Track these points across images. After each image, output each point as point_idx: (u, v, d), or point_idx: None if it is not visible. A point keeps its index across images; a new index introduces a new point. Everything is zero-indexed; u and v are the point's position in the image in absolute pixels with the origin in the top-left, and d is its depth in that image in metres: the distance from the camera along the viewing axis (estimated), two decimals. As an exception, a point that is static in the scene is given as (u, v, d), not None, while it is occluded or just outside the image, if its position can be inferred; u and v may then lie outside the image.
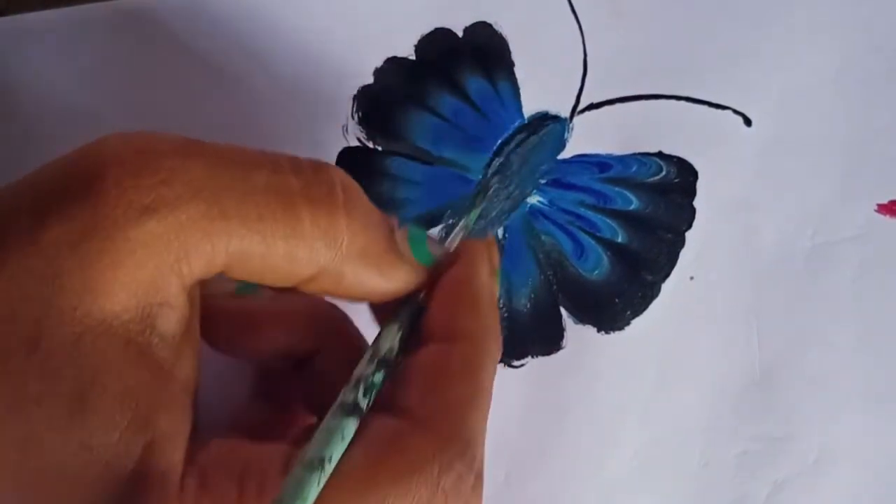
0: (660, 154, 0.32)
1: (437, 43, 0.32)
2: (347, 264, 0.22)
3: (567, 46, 0.32)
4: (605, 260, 0.32)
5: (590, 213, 0.32)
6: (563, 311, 0.32)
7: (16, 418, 0.19)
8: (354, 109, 0.32)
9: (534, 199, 0.33)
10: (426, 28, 0.32)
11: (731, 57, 0.32)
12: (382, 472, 0.21)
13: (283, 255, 0.21)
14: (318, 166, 0.22)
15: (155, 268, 0.20)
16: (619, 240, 0.32)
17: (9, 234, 0.19)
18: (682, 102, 0.32)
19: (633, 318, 0.32)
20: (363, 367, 0.23)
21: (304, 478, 0.20)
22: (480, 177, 0.32)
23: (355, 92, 0.32)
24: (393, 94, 0.32)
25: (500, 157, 0.33)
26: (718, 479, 0.31)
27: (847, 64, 0.32)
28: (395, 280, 0.24)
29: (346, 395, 0.22)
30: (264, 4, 0.32)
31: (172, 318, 0.20)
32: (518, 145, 0.33)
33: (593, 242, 0.32)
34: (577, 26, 0.32)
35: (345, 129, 0.32)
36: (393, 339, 0.24)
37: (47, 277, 0.19)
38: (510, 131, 0.33)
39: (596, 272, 0.32)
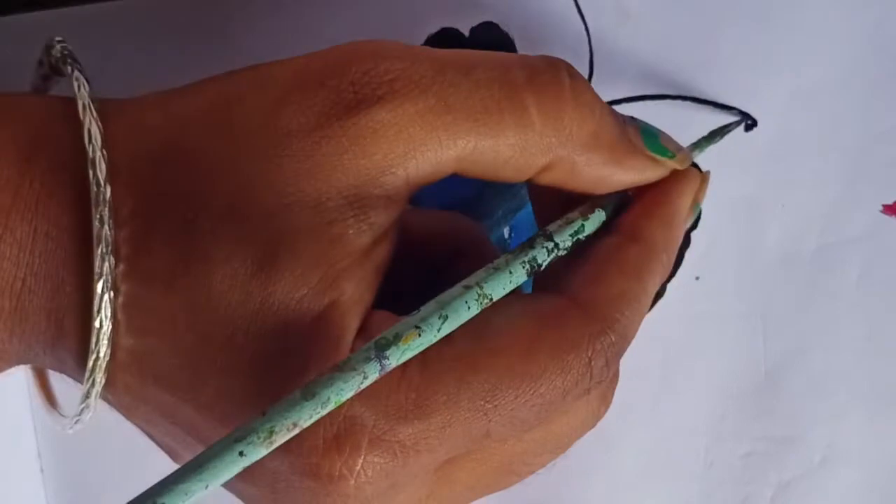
0: (666, 154, 0.32)
1: (443, 43, 0.32)
2: (580, 152, 0.23)
3: (573, 47, 0.32)
4: (611, 260, 0.32)
5: (595, 214, 0.32)
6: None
7: (196, 275, 0.20)
8: (359, 109, 0.32)
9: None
10: (433, 28, 0.32)
11: (738, 58, 0.32)
12: (544, 345, 0.22)
13: (513, 145, 0.22)
14: (543, 57, 0.23)
15: (383, 157, 0.21)
16: (625, 240, 0.32)
17: (251, 119, 0.21)
18: (688, 103, 0.32)
19: (639, 317, 0.32)
20: (555, 226, 0.24)
21: (458, 293, 0.21)
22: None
23: (360, 92, 0.32)
24: (398, 94, 0.32)
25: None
26: (723, 480, 0.32)
27: (853, 65, 0.32)
28: (630, 170, 0.24)
29: (527, 249, 0.23)
30: (267, 4, 0.32)
31: (386, 211, 0.21)
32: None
33: (599, 242, 0.32)
34: (583, 27, 0.32)
35: (350, 129, 0.32)
36: (592, 218, 0.24)
37: (274, 157, 0.20)
38: (516, 131, 0.32)
39: (601, 272, 0.32)
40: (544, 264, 0.23)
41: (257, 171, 0.21)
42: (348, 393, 0.19)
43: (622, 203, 0.25)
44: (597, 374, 0.22)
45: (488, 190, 0.32)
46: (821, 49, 0.32)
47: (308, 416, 0.19)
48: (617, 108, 0.32)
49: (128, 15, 0.32)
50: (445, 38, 0.32)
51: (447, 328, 0.21)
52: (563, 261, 0.24)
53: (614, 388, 0.25)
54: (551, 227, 0.24)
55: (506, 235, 0.32)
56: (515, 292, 0.23)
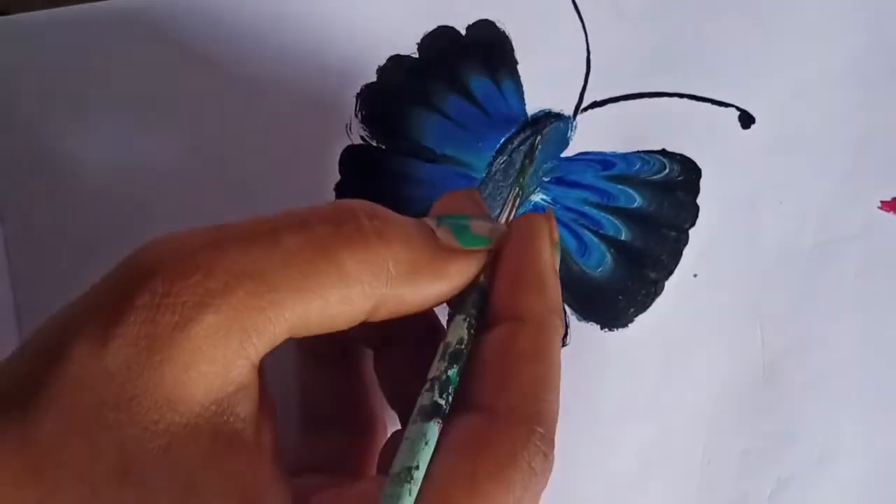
0: (663, 152, 0.32)
1: (440, 41, 0.32)
2: (402, 285, 0.23)
3: (570, 44, 0.32)
4: (609, 257, 0.32)
5: (593, 211, 0.32)
6: (566, 308, 0.32)
7: None
8: (358, 108, 0.32)
9: (537, 197, 0.33)
10: (429, 26, 0.32)
11: (735, 55, 0.32)
12: (481, 473, 0.21)
13: (338, 302, 0.22)
14: (340, 206, 0.23)
15: (224, 357, 0.20)
16: (623, 237, 0.32)
17: (73, 364, 0.19)
18: (686, 100, 0.32)
19: (637, 315, 0.32)
20: (437, 367, 0.23)
21: (394, 492, 0.21)
22: (484, 175, 0.32)
23: (359, 90, 0.32)
24: (396, 93, 0.32)
25: (504, 156, 0.32)
26: (722, 477, 0.32)
27: (850, 61, 0.32)
28: (453, 277, 0.24)
29: (424, 399, 0.23)
30: (266, 3, 0.32)
31: (248, 398, 0.21)
32: (521, 143, 0.32)
33: (596, 240, 0.32)
34: (580, 24, 0.32)
35: (348, 127, 0.32)
36: (462, 330, 0.24)
37: (123, 402, 0.19)
38: (514, 129, 0.33)
39: (599, 270, 0.32)
40: (446, 404, 0.23)
41: (125, 421, 0.19)
42: None
43: (481, 294, 0.25)
44: (539, 469, 0.22)
45: (484, 188, 0.32)
46: (818, 46, 0.32)
47: None
48: (615, 105, 0.32)
49: (127, 15, 0.32)
50: (441, 37, 0.32)
51: None
52: (465, 374, 0.24)
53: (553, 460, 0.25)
54: (431, 372, 0.23)
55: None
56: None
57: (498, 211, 0.29)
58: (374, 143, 0.32)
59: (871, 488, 0.31)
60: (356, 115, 0.32)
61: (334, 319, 0.22)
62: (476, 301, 0.24)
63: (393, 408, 0.28)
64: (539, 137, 0.32)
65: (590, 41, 0.32)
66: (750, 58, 0.32)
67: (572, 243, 0.32)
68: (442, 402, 0.23)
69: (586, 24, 0.32)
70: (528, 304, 0.24)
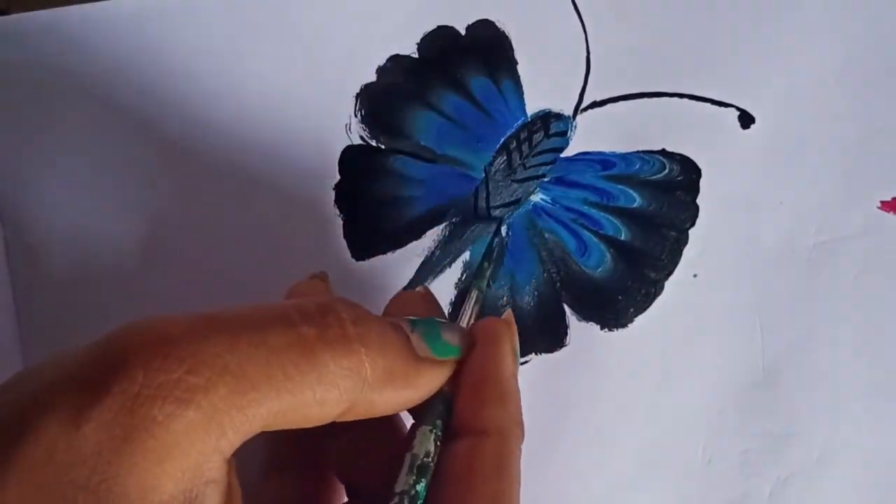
0: (663, 152, 0.32)
1: (439, 41, 0.32)
2: (376, 391, 0.23)
3: (570, 44, 0.32)
4: (609, 257, 0.32)
5: (593, 211, 0.32)
6: (566, 308, 0.32)
7: None
8: (357, 107, 0.32)
9: (537, 197, 0.33)
10: (429, 26, 0.32)
11: (734, 55, 0.32)
12: None
13: (313, 403, 0.22)
14: (324, 306, 0.23)
15: (199, 453, 0.20)
16: (623, 237, 0.32)
17: (42, 441, 0.19)
18: (686, 100, 0.32)
19: (637, 315, 0.32)
20: (404, 480, 0.24)
21: None
22: (483, 175, 0.32)
23: (358, 90, 0.32)
24: (396, 92, 0.32)
25: (503, 156, 0.32)
26: (722, 477, 0.31)
27: (849, 62, 0.32)
28: (423, 387, 0.24)
29: None
30: (266, 3, 0.32)
31: (217, 490, 0.21)
32: (521, 143, 0.32)
33: (596, 240, 0.32)
34: (580, 24, 0.32)
35: (348, 127, 0.32)
36: (429, 443, 0.24)
37: (92, 485, 0.19)
38: (513, 129, 0.33)
39: (599, 269, 0.32)
40: None
41: None
42: None
43: (446, 404, 0.25)
44: None
45: (483, 188, 0.32)
46: (817, 46, 0.32)
47: None
48: (615, 105, 0.32)
49: (127, 15, 0.32)
50: (441, 37, 0.32)
51: None
52: (430, 486, 0.24)
53: None
54: (396, 486, 0.24)
55: (504, 234, 0.32)
56: None
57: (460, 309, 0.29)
58: (374, 143, 0.32)
59: (871, 488, 0.31)
60: (356, 115, 0.32)
61: (307, 418, 0.22)
62: (441, 412, 0.25)
63: (349, 495, 0.28)
64: (500, 239, 0.32)
65: (590, 41, 0.32)
66: (750, 58, 0.32)
67: (572, 243, 0.32)
68: None
69: (586, 24, 0.32)
70: (491, 417, 0.25)
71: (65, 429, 0.19)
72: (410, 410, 0.26)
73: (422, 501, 0.23)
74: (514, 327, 0.27)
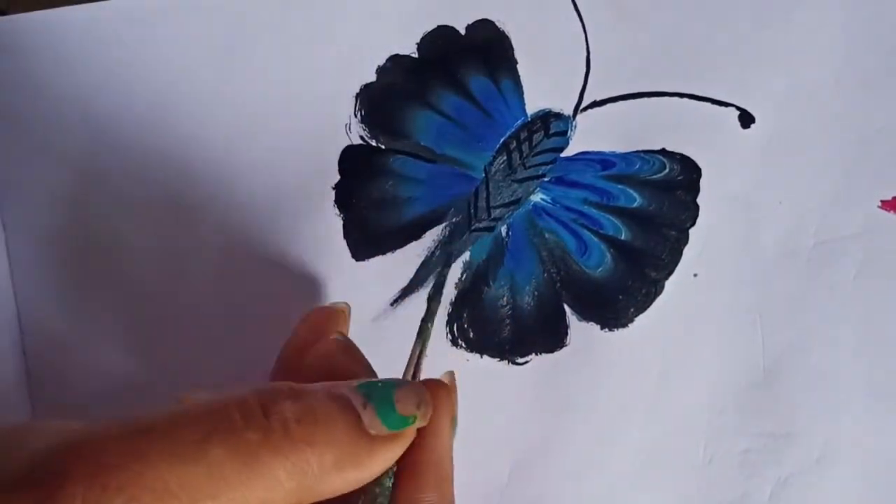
0: (663, 151, 0.32)
1: (439, 41, 0.32)
2: (324, 482, 0.22)
3: (570, 44, 0.32)
4: (609, 257, 0.32)
5: (593, 211, 0.32)
6: (566, 308, 0.32)
7: None
8: (357, 107, 0.32)
9: (537, 197, 0.33)
10: (429, 26, 0.32)
11: (734, 55, 0.32)
12: None
13: (259, 503, 0.21)
14: (265, 404, 0.22)
15: None
16: (623, 237, 0.32)
17: None
18: (685, 100, 0.32)
19: (637, 315, 0.32)
20: None
21: None
22: (483, 175, 0.32)
23: (358, 90, 0.32)
24: (395, 92, 0.32)
25: (503, 156, 0.32)
26: (722, 477, 0.31)
27: (849, 61, 0.32)
28: (374, 466, 0.23)
29: None
30: (266, 3, 0.32)
31: None
32: (521, 143, 0.32)
33: (597, 240, 0.32)
34: (580, 24, 0.32)
35: (347, 127, 0.32)
36: None
37: None
38: (513, 129, 0.33)
39: (599, 269, 0.32)
40: None
41: None
42: None
43: (391, 481, 0.24)
44: None
45: (483, 188, 0.32)
46: (817, 46, 0.32)
47: None
48: (614, 105, 0.32)
49: (128, 15, 0.32)
50: (441, 37, 0.32)
51: None
52: None
53: None
54: None
55: (503, 234, 0.32)
56: None
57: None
58: (373, 143, 0.32)
59: (871, 488, 0.31)
60: (355, 115, 0.32)
61: None
62: (387, 493, 0.24)
63: None
64: (443, 279, 0.32)
65: (589, 41, 0.32)
66: (750, 58, 0.32)
67: (572, 243, 0.32)
68: None
69: (586, 24, 0.32)
70: (430, 500, 0.24)
71: None
72: None
73: None
74: (455, 394, 0.26)
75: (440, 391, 0.25)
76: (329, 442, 0.22)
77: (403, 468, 0.25)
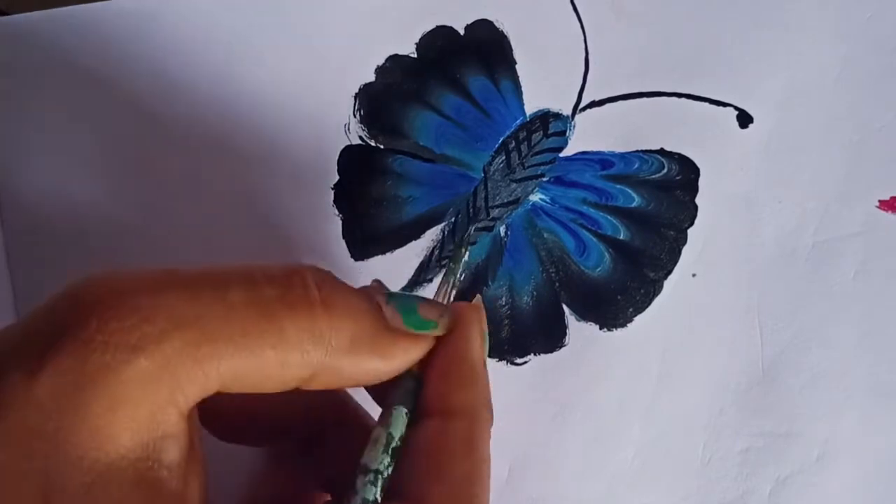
0: (662, 151, 0.32)
1: (438, 41, 0.32)
2: (341, 357, 0.22)
3: (569, 44, 0.32)
4: (608, 257, 0.32)
5: (592, 211, 0.32)
6: (565, 308, 0.32)
7: None
8: (356, 107, 0.32)
9: (536, 197, 0.33)
10: (428, 26, 0.32)
11: (733, 54, 0.32)
12: None
13: (275, 364, 0.21)
14: (289, 270, 0.23)
15: (152, 403, 0.20)
16: (622, 237, 0.32)
17: (3, 392, 0.19)
18: (684, 100, 0.32)
19: (636, 315, 0.32)
20: (378, 459, 0.23)
21: None
22: (482, 174, 0.33)
23: (357, 90, 0.32)
24: (395, 92, 0.32)
25: (502, 155, 0.33)
26: (721, 476, 0.31)
27: (848, 61, 0.32)
28: (395, 359, 0.24)
29: (366, 493, 0.23)
30: (265, 3, 0.32)
31: (175, 446, 0.21)
32: (520, 143, 0.33)
33: (595, 240, 0.32)
34: (578, 24, 0.32)
35: (347, 127, 0.32)
36: (403, 424, 0.24)
37: (48, 433, 0.19)
38: (512, 129, 0.33)
39: (598, 269, 0.32)
40: (378, 496, 0.23)
41: (50, 452, 0.19)
42: None
43: (416, 383, 0.25)
44: None
45: (482, 188, 0.32)
46: (816, 46, 0.32)
47: None
48: (613, 105, 0.32)
49: (127, 15, 0.32)
50: (440, 37, 0.32)
51: None
52: (396, 465, 0.24)
53: None
54: (364, 458, 0.23)
55: (502, 234, 0.32)
56: None
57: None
58: (373, 143, 0.32)
59: (871, 488, 0.31)
60: (354, 115, 0.32)
61: (267, 381, 0.22)
62: (414, 392, 0.24)
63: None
64: (471, 231, 0.32)
65: (588, 41, 0.32)
66: (749, 58, 0.32)
67: (571, 243, 0.32)
68: (372, 492, 0.23)
69: (585, 24, 0.32)
70: (460, 399, 0.24)
71: (23, 378, 0.19)
72: (377, 390, 0.25)
73: (387, 478, 0.23)
74: (483, 312, 0.26)
75: (468, 306, 0.26)
76: (347, 314, 0.23)
77: (435, 369, 0.25)
